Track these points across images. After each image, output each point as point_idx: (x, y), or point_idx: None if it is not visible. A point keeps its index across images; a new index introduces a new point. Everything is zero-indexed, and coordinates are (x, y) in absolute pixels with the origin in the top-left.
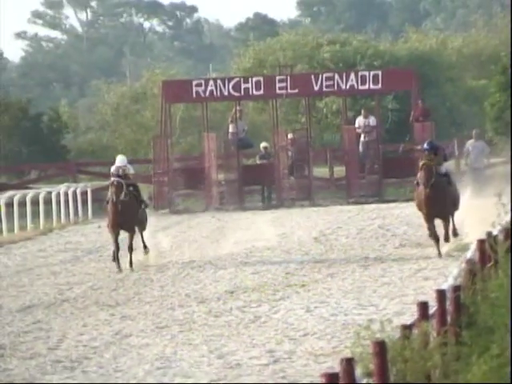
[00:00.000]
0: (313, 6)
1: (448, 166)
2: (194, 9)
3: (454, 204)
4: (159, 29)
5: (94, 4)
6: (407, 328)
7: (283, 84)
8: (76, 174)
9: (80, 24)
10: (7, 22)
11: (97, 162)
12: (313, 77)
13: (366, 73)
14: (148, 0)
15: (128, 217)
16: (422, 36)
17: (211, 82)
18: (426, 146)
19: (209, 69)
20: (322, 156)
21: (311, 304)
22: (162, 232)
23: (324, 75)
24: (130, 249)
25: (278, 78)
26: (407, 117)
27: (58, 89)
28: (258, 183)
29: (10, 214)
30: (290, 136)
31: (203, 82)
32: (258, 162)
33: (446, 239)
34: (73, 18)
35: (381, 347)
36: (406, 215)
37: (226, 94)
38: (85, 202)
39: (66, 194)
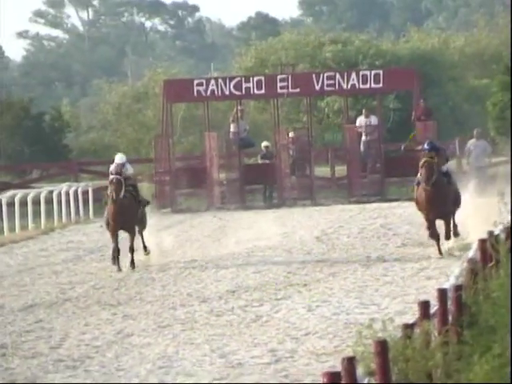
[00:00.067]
0: (314, 5)
1: (450, 165)
2: (195, 8)
3: (455, 203)
4: (161, 28)
5: (95, 3)
6: (409, 327)
7: (284, 83)
8: (78, 174)
9: (82, 23)
10: (9, 21)
11: (98, 161)
12: (314, 76)
13: (368, 72)
14: None
15: (128, 217)
16: (423, 35)
17: (213, 82)
18: (426, 146)
19: (210, 68)
20: (323, 155)
21: (313, 303)
22: (163, 231)
23: (325, 74)
24: (131, 250)
25: (279, 77)
26: (409, 116)
27: (60, 88)
28: (260, 182)
29: (11, 214)
30: (291, 134)
31: (205, 81)
32: (260, 161)
33: (447, 238)
34: (74, 17)
35: (382, 346)
36: (408, 214)
37: (227, 93)
38: (86, 202)
39: (68, 194)
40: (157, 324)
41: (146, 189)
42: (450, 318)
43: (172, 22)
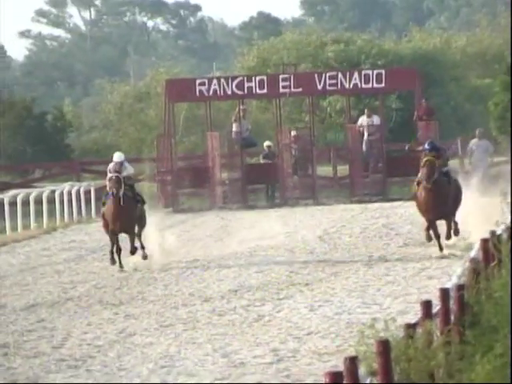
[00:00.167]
0: (316, 5)
1: (452, 165)
2: (197, 7)
3: (456, 202)
4: (163, 27)
5: (97, 3)
6: (411, 327)
7: (287, 83)
8: (80, 173)
9: (84, 23)
10: (11, 21)
11: (101, 160)
12: (316, 76)
13: (370, 72)
14: None
15: (127, 217)
16: (425, 35)
17: (215, 81)
18: (426, 146)
19: (212, 67)
20: (325, 155)
21: (315, 303)
22: (166, 231)
23: (327, 74)
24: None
25: (281, 76)
26: (411, 116)
27: (62, 88)
28: (262, 182)
29: (13, 213)
30: (293, 133)
31: (207, 80)
32: (262, 160)
33: (448, 238)
34: (76, 16)
35: (385, 346)
36: (410, 214)
37: (229, 92)
38: (88, 201)
39: (70, 193)
40: (159, 323)
41: (147, 188)
42: (452, 317)
43: (174, 22)
